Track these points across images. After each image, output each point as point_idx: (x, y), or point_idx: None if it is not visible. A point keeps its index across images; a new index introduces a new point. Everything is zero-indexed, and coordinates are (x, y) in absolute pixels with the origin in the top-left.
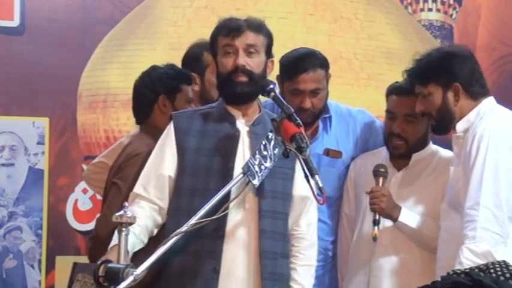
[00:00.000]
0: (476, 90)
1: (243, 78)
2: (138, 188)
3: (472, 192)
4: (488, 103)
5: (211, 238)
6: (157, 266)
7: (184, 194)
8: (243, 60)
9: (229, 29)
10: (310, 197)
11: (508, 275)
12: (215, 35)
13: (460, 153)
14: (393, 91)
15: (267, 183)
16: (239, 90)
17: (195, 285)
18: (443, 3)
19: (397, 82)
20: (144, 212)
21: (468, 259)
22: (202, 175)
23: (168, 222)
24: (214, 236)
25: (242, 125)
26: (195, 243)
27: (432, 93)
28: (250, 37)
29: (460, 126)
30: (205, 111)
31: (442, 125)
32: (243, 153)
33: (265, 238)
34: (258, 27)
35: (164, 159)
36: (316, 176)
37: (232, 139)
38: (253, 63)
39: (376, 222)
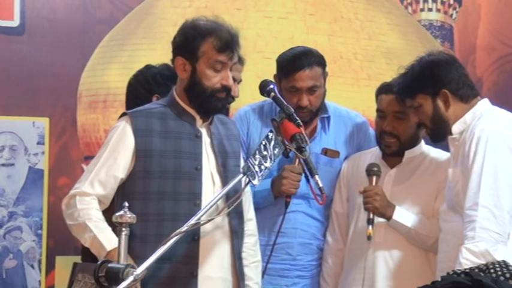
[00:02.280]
0: (465, 93)
1: (224, 95)
2: (86, 187)
3: (471, 193)
4: (484, 104)
5: (186, 243)
6: None
7: (152, 198)
8: (231, 80)
9: (226, 45)
10: (247, 191)
11: (508, 275)
12: (199, 38)
13: (457, 155)
14: (381, 90)
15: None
16: (220, 105)
17: None
18: (443, 3)
19: (385, 82)
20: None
21: (467, 259)
22: (171, 178)
23: (136, 228)
24: (189, 240)
25: (200, 125)
26: (170, 249)
27: (422, 104)
28: (237, 54)
29: (455, 128)
30: (161, 110)
31: (438, 133)
32: (206, 154)
33: (236, 239)
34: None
35: (117, 160)
36: (316, 176)
37: (196, 140)
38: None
39: (370, 222)
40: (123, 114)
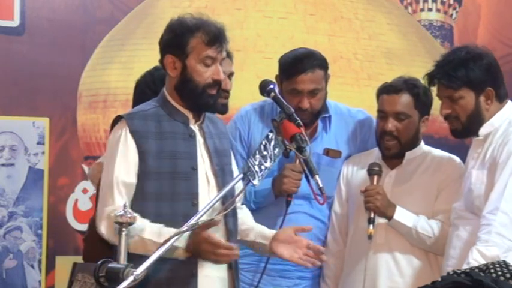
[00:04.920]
0: (503, 93)
1: (215, 91)
2: (119, 201)
3: (494, 197)
4: (510, 108)
5: None
6: None
7: (150, 199)
8: (222, 74)
9: (214, 38)
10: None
11: (508, 275)
12: (187, 34)
13: (481, 157)
14: (383, 90)
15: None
16: (212, 102)
17: None
18: (443, 3)
19: (386, 82)
20: None
21: (476, 261)
22: (168, 179)
23: None
24: None
25: (193, 124)
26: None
27: (464, 97)
28: (225, 48)
29: (483, 130)
30: (154, 111)
31: (469, 129)
32: (201, 154)
33: (232, 237)
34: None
35: (129, 168)
36: (316, 176)
37: (190, 140)
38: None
39: (371, 221)
40: (119, 118)
